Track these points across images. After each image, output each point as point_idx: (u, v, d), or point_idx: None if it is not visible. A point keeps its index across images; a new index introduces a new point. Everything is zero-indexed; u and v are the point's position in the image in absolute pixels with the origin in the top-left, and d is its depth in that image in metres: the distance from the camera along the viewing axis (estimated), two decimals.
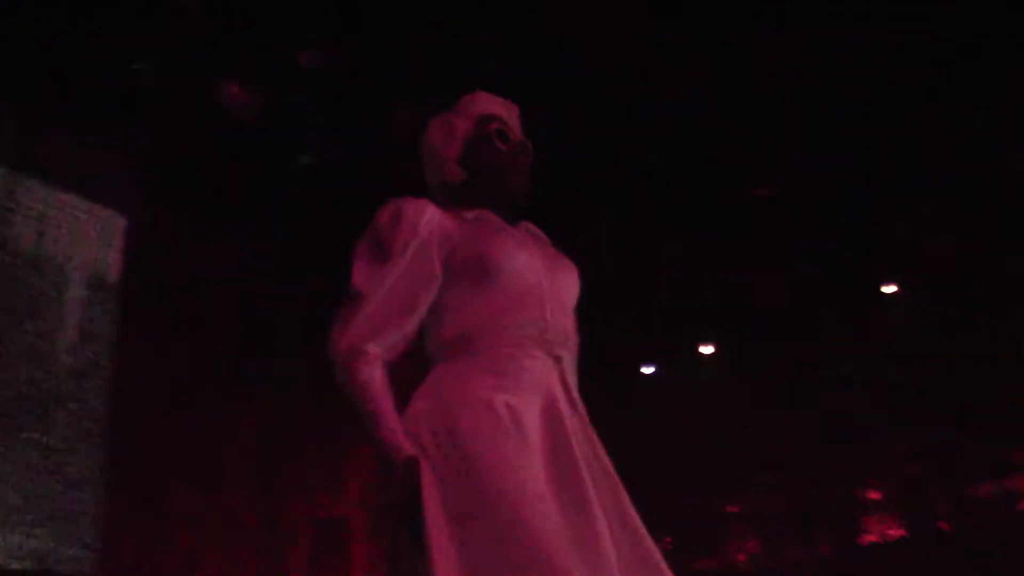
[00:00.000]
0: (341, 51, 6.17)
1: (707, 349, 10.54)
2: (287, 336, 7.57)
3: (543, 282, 2.13)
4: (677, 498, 9.45)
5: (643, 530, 1.98)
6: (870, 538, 9.53)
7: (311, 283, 7.18)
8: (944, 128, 7.01)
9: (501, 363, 2.03)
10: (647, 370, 11.00)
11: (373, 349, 1.97)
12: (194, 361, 7.52)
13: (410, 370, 2.12)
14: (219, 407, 7.75)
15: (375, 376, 1.97)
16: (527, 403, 2.01)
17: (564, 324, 2.15)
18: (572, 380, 2.13)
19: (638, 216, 7.85)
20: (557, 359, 2.09)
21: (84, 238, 7.05)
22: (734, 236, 8.13)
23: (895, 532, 9.38)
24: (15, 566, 6.16)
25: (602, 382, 9.68)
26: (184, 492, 7.35)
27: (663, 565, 1.95)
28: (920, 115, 6.90)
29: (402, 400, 1.99)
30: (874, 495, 9.72)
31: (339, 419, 6.60)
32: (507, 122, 2.29)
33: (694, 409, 10.05)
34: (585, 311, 2.23)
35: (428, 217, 2.08)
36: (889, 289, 9.44)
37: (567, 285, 2.21)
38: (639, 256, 8.38)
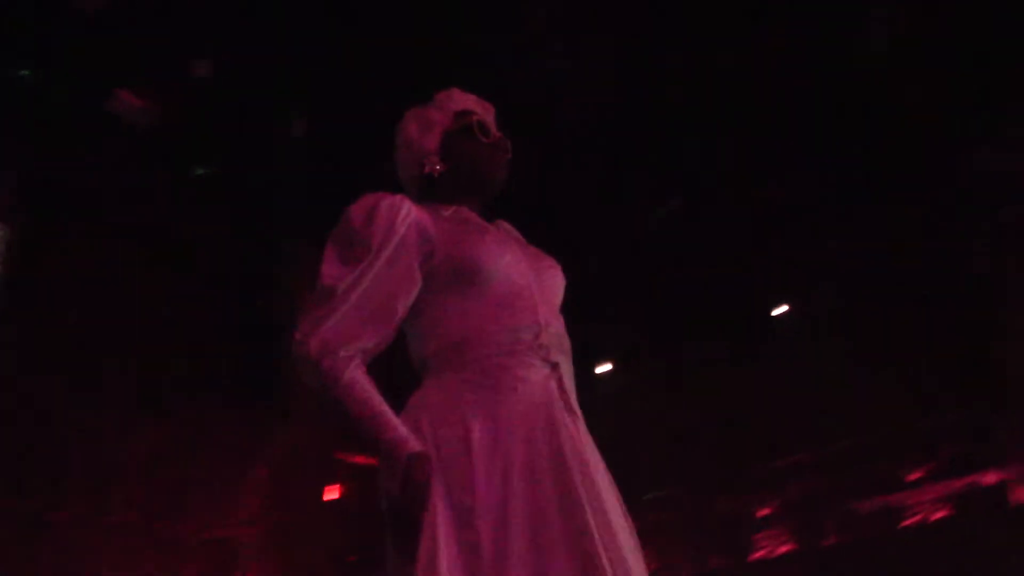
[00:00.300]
0: (233, 62, 6.07)
1: (604, 368, 10.59)
2: (176, 352, 7.39)
3: (532, 284, 2.04)
4: None
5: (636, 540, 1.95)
6: (759, 554, 9.65)
7: (197, 291, 7.04)
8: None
9: (491, 375, 1.91)
10: None
11: (348, 352, 1.84)
12: (77, 376, 7.28)
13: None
14: (105, 426, 7.51)
15: (358, 375, 1.84)
16: (517, 420, 1.88)
17: (557, 327, 2.04)
18: (570, 385, 2.01)
19: None
20: (554, 366, 1.97)
21: None
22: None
23: (784, 548, 9.51)
24: None
25: None
26: (73, 515, 7.12)
27: None
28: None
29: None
30: (763, 511, 9.84)
31: (226, 440, 6.50)
32: (485, 117, 2.24)
33: (588, 424, 10.06)
34: None
35: (405, 213, 1.98)
36: (779, 310, 9.64)
37: (555, 285, 2.12)
38: None
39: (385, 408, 1.83)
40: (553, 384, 1.96)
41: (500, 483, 1.81)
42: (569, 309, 2.11)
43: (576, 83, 6.30)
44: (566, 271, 2.16)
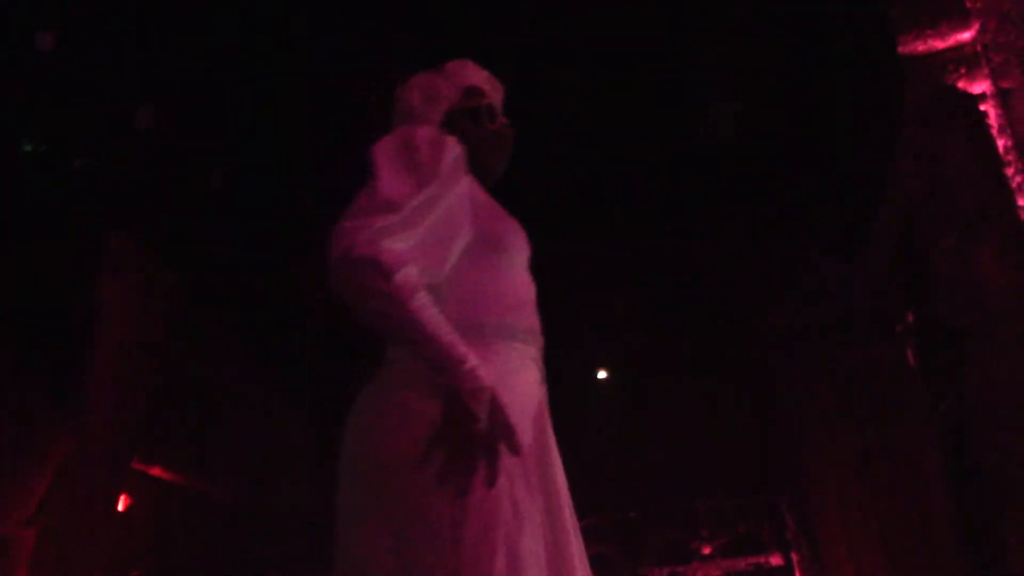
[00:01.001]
0: (87, 43, 5.80)
1: None
2: None
3: (532, 288, 1.99)
4: None
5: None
6: None
7: None
8: None
9: (510, 369, 1.83)
10: None
11: (418, 273, 1.69)
12: None
13: None
14: None
15: (428, 297, 1.69)
16: (526, 414, 1.82)
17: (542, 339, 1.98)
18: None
19: None
20: (543, 377, 1.94)
21: None
22: None
23: None
24: None
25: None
26: None
27: None
28: None
29: None
30: None
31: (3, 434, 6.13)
32: (494, 100, 2.12)
33: None
34: None
35: (465, 160, 1.88)
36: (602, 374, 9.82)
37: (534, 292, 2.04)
38: None
39: (457, 338, 1.69)
40: (544, 392, 1.93)
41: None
42: None
43: None
44: None
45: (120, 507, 7.64)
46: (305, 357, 9.01)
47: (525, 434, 1.77)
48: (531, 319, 1.93)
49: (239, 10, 5.63)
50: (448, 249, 1.81)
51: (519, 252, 1.95)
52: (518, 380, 1.83)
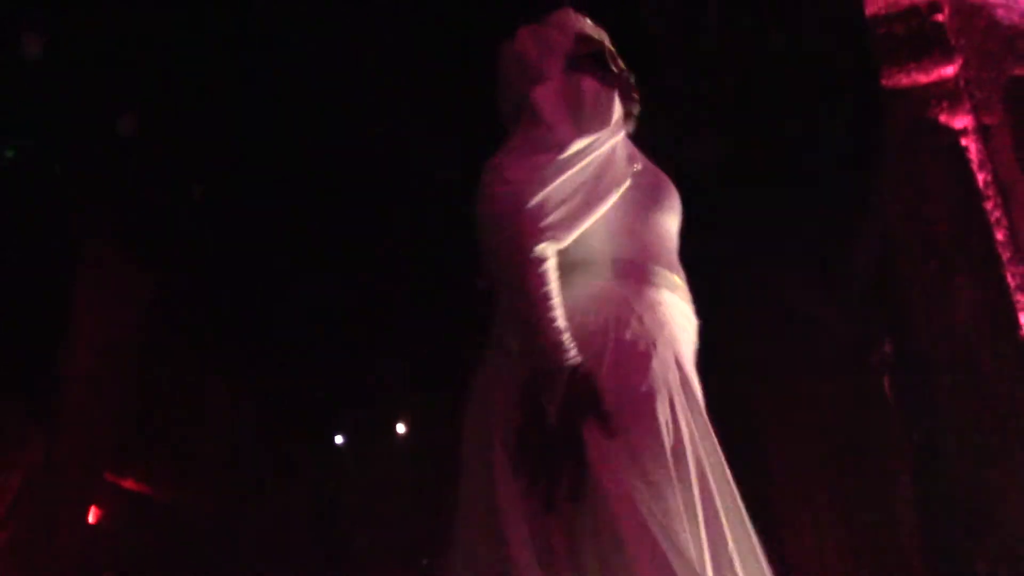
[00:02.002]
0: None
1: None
2: None
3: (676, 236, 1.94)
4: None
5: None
6: None
7: None
8: None
9: (673, 305, 1.77)
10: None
11: (557, 235, 1.61)
12: None
13: None
14: None
15: (551, 272, 1.60)
16: (686, 361, 1.76)
17: None
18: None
19: None
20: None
21: None
22: None
23: None
24: None
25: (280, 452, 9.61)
26: None
27: None
28: None
29: None
30: None
31: None
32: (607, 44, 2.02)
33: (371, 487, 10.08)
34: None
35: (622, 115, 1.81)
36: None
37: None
38: None
39: (559, 313, 1.59)
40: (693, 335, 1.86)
41: (685, 428, 1.64)
42: None
43: None
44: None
45: (91, 518, 7.57)
46: (282, 371, 8.97)
47: (692, 398, 1.71)
48: (676, 264, 1.88)
49: (222, 18, 5.62)
50: (601, 198, 1.71)
51: (671, 196, 1.92)
52: (673, 313, 1.76)
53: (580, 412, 1.55)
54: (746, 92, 5.66)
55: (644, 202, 1.83)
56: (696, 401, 1.73)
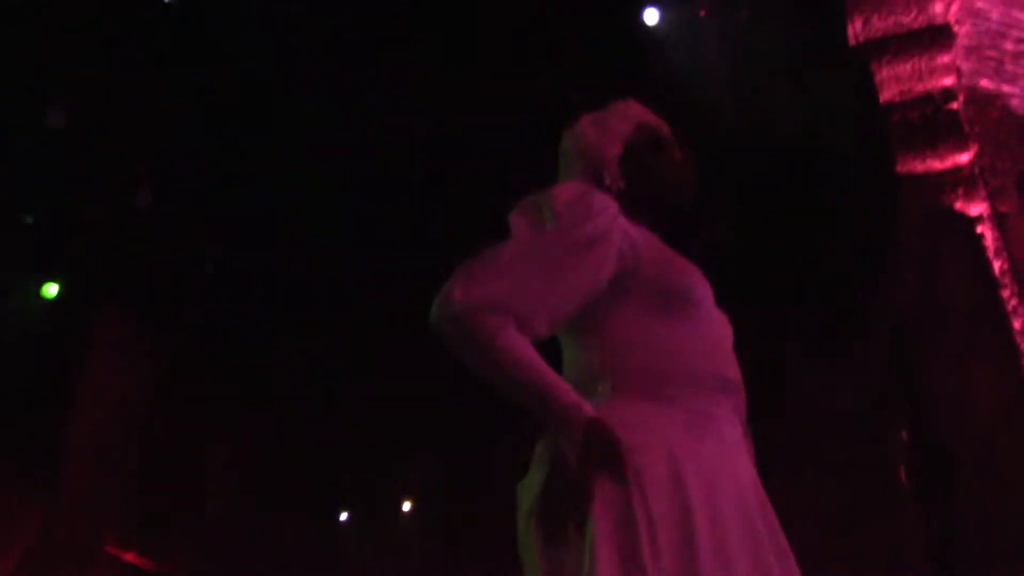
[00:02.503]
0: None
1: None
2: None
3: (727, 332, 1.85)
4: None
5: None
6: None
7: None
8: None
9: (700, 421, 1.65)
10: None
11: (509, 314, 1.58)
12: None
13: None
14: None
15: (519, 338, 1.58)
16: (726, 477, 1.64)
17: (743, 389, 1.81)
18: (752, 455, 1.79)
19: None
20: (746, 426, 1.78)
21: None
22: None
23: None
24: None
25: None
26: None
27: None
28: None
29: None
30: None
31: None
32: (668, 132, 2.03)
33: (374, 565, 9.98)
34: None
35: (614, 213, 1.75)
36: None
37: (730, 338, 1.89)
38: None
39: (552, 371, 1.58)
40: (746, 449, 1.77)
41: (719, 533, 1.56)
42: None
43: None
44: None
45: None
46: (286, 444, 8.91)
47: (728, 506, 1.61)
48: (724, 366, 1.77)
49: (234, 96, 5.70)
50: (567, 291, 1.68)
51: (706, 295, 1.83)
52: (715, 451, 1.66)
53: (597, 465, 1.52)
54: (764, 177, 5.69)
55: (669, 310, 1.77)
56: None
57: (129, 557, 8.13)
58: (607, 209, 1.76)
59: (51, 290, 6.47)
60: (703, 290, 1.83)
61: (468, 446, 8.65)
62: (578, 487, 1.51)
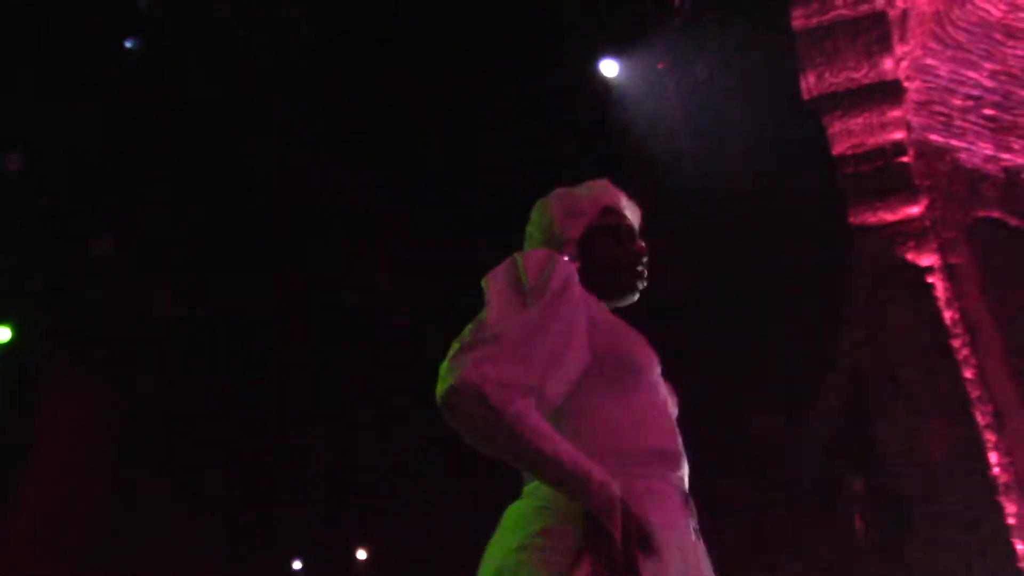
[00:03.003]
0: None
1: None
2: None
3: (671, 406, 1.84)
4: None
5: None
6: None
7: None
8: None
9: (638, 498, 1.64)
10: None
11: (520, 391, 1.58)
12: None
13: None
14: None
15: (537, 415, 1.59)
16: (664, 549, 1.62)
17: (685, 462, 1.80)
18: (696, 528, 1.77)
19: None
20: (686, 499, 1.75)
21: None
22: None
23: None
24: None
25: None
26: None
27: None
28: None
29: None
30: None
31: None
32: (632, 221, 2.05)
33: None
34: None
35: (577, 280, 1.78)
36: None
37: (676, 411, 1.89)
38: None
39: (577, 451, 1.59)
40: (688, 520, 1.74)
41: None
42: None
43: None
44: None
45: None
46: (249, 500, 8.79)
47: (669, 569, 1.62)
48: (669, 441, 1.78)
49: (202, 147, 5.68)
50: (564, 369, 1.69)
51: (650, 369, 1.83)
52: (662, 509, 1.67)
53: (635, 543, 1.55)
54: (718, 227, 5.74)
55: (620, 381, 1.78)
56: None
57: None
58: (572, 276, 1.79)
59: (3, 335, 6.36)
60: (651, 361, 1.85)
61: (421, 493, 8.60)
62: (621, 560, 1.54)
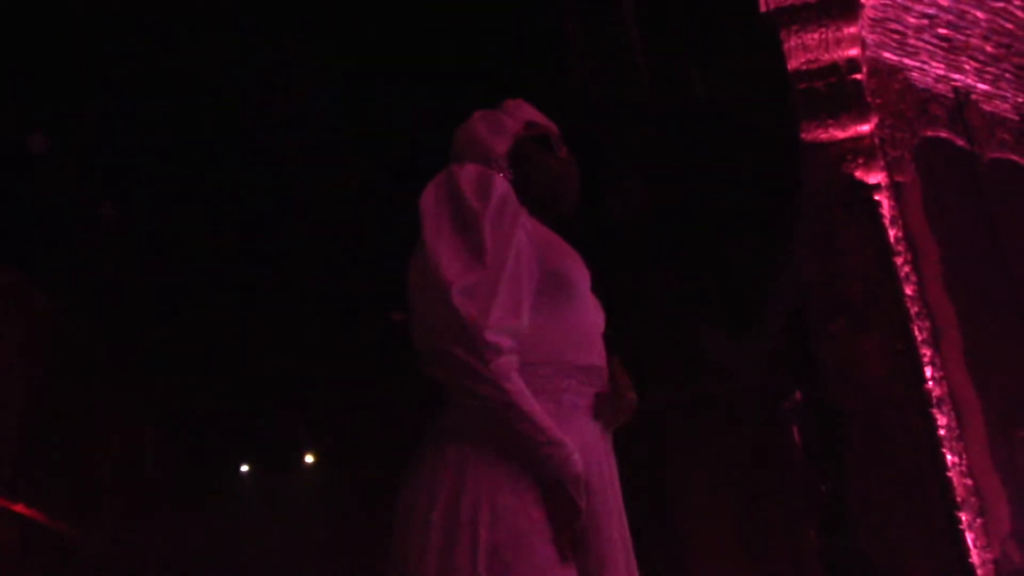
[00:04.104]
0: None
1: None
2: None
3: (599, 321, 1.89)
4: None
5: None
6: None
7: None
8: None
9: (565, 410, 1.73)
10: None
11: (513, 346, 1.63)
12: None
13: None
14: None
15: (521, 381, 1.64)
16: (584, 457, 1.72)
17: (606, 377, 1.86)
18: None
19: None
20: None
21: None
22: None
23: None
24: None
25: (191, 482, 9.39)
26: None
27: None
28: None
29: None
30: None
31: None
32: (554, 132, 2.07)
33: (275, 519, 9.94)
34: None
35: (514, 196, 1.80)
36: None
37: (602, 326, 1.93)
38: None
39: (550, 421, 1.65)
40: (606, 439, 1.84)
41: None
42: None
43: None
44: None
45: None
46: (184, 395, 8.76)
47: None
48: (597, 357, 1.84)
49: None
50: (525, 295, 1.73)
51: (584, 282, 1.87)
52: (571, 425, 1.73)
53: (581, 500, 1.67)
54: (668, 141, 5.74)
55: (553, 295, 1.81)
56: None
57: (18, 508, 7.94)
58: (510, 193, 1.81)
59: None
60: (583, 276, 1.88)
61: (372, 398, 8.65)
62: (572, 515, 1.65)
